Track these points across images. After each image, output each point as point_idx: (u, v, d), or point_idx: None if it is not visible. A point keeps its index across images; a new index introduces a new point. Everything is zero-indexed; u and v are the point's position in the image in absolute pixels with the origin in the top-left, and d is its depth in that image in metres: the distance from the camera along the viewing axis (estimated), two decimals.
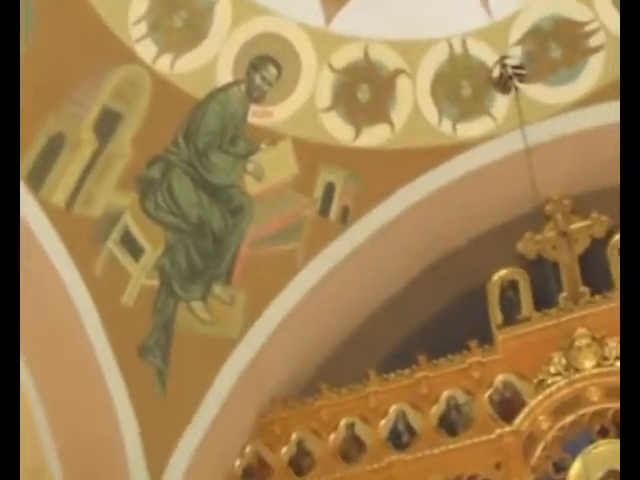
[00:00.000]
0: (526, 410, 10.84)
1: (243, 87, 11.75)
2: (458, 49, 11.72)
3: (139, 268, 11.44)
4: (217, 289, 11.95)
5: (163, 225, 11.62)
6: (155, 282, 11.56)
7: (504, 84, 11.44)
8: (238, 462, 12.13)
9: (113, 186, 11.12)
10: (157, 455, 11.27)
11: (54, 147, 10.63)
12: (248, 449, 12.19)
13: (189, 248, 11.83)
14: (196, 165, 11.70)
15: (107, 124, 10.99)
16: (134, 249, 11.41)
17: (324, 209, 12.18)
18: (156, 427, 11.26)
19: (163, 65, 11.18)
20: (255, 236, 12.07)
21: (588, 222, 11.85)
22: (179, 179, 11.65)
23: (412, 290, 12.53)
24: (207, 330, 11.85)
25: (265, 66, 11.73)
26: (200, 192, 11.77)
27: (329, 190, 12.17)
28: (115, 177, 11.15)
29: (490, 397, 11.28)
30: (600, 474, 10.34)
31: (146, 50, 11.07)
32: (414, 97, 11.92)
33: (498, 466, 10.74)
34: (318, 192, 12.14)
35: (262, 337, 12.02)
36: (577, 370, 10.73)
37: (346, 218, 12.18)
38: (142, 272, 11.47)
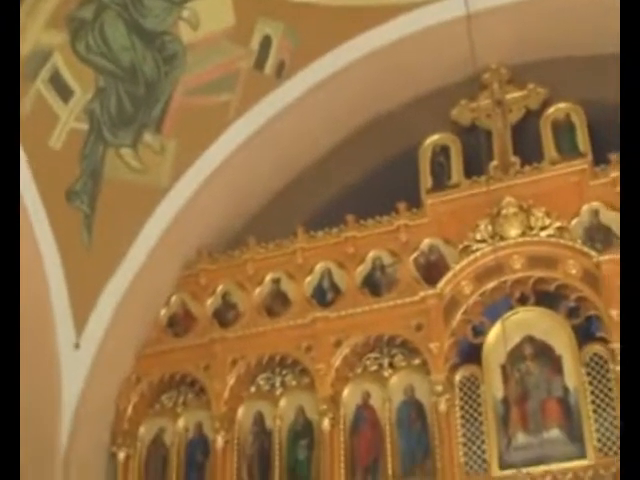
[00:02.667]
0: (450, 274, 11.03)
1: None
2: None
3: (68, 110, 11.19)
4: (147, 137, 11.80)
5: (94, 68, 11.33)
6: (84, 126, 11.36)
7: None
8: (163, 311, 12.28)
9: (43, 23, 10.70)
10: (82, 304, 11.32)
11: None
12: (174, 299, 12.34)
13: (120, 93, 11.58)
14: (130, 8, 11.33)
15: None
16: (63, 90, 11.13)
17: (260, 62, 11.99)
18: (82, 275, 11.26)
19: None
20: (188, 85, 11.87)
21: (524, 93, 11.90)
22: (112, 21, 11.28)
23: (344, 150, 12.56)
24: (136, 178, 11.76)
25: None
26: (133, 36, 11.44)
27: (266, 43, 11.95)
28: (45, 14, 10.71)
29: (415, 260, 11.49)
30: (518, 339, 10.63)
31: None
32: None
33: (419, 328, 10.94)
34: (254, 44, 11.93)
35: (191, 188, 11.99)
36: (502, 238, 10.91)
37: (281, 72, 12.03)
38: (71, 115, 11.23)
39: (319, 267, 11.88)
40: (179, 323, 12.26)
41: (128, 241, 11.66)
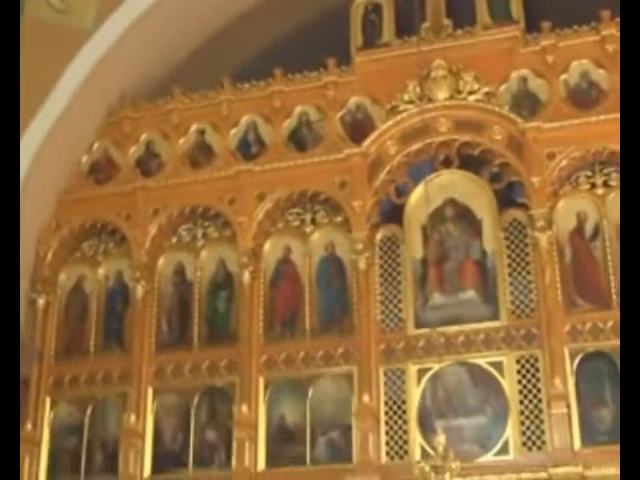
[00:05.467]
0: (375, 134, 11.07)
1: None
2: None
3: None
4: None
5: None
6: None
7: None
8: (85, 158, 12.10)
9: None
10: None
11: None
12: (96, 146, 12.15)
13: None
14: None
15: None
16: None
17: None
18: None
19: None
20: None
21: None
22: None
23: (275, 1, 12.23)
24: (59, 18, 11.36)
25: None
26: None
27: None
28: None
29: (342, 118, 11.47)
30: (439, 202, 10.82)
31: None
32: None
33: (343, 185, 11.02)
34: None
35: (117, 31, 11.57)
36: (430, 100, 10.94)
37: None
38: None
39: (245, 120, 11.77)
40: (101, 171, 12.10)
41: (50, 83, 11.31)
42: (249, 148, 11.70)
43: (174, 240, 11.72)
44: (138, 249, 11.47)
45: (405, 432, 10.16)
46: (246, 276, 11.07)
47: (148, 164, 11.98)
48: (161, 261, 11.62)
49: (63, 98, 11.41)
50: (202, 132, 11.89)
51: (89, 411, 11.20)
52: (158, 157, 11.98)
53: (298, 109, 11.63)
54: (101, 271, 11.84)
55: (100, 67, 11.51)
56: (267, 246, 11.34)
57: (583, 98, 10.73)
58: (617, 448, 9.30)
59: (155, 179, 11.70)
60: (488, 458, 9.81)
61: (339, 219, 11.14)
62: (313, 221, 11.33)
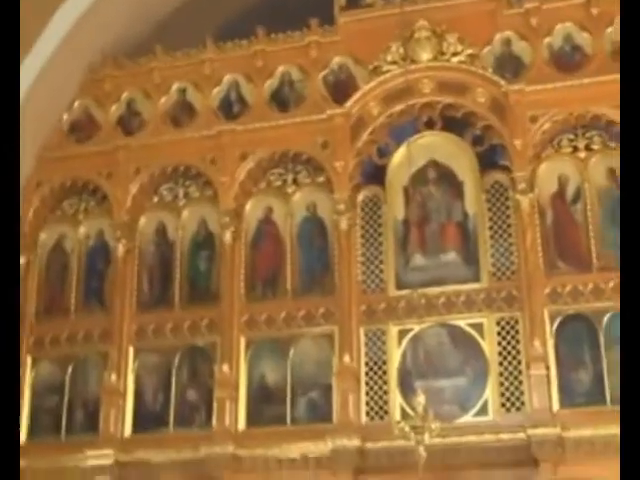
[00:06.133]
0: (358, 94, 11.03)
1: None
2: None
3: None
4: None
5: None
6: None
7: None
8: (66, 116, 12.04)
9: None
10: None
11: None
12: (77, 104, 12.07)
13: None
14: None
15: None
16: None
17: None
18: None
19: None
20: None
21: None
22: None
23: None
24: None
25: None
26: None
27: None
28: None
29: (324, 78, 11.43)
30: (422, 163, 10.82)
31: None
32: None
33: (325, 145, 11.00)
34: None
35: None
36: (413, 61, 10.89)
37: None
38: None
39: (227, 79, 11.71)
40: (82, 129, 12.04)
41: (31, 39, 11.16)
42: (231, 107, 11.65)
43: (155, 199, 11.70)
44: (119, 208, 11.43)
45: (385, 392, 10.23)
46: (227, 236, 11.06)
47: (129, 123, 11.93)
48: (142, 220, 11.60)
49: (44, 55, 11.26)
50: (184, 91, 11.83)
51: (70, 370, 11.22)
52: (139, 116, 11.92)
53: (280, 69, 11.58)
54: (82, 230, 11.81)
55: (81, 23, 11.37)
56: (249, 206, 11.32)
57: (567, 61, 10.74)
58: (595, 410, 9.61)
59: (136, 138, 11.65)
60: (467, 419, 9.90)
61: (321, 179, 11.14)
62: (295, 181, 11.32)
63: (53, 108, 11.74)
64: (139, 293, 11.33)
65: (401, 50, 10.99)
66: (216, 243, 11.27)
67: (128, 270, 11.32)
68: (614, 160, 10.20)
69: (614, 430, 9.06)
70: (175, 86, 11.82)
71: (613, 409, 9.36)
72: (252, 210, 11.31)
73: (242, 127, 11.28)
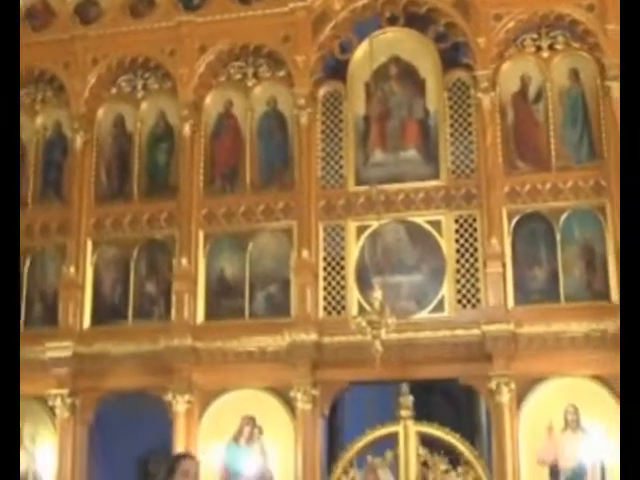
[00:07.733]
0: None
1: None
2: None
3: None
4: None
5: None
6: None
7: None
8: (21, 2, 11.62)
9: None
10: None
11: None
12: None
13: None
14: None
15: None
16: None
17: None
18: None
19: None
20: None
21: None
22: None
23: None
24: None
25: None
26: None
27: None
28: None
29: None
30: (384, 59, 10.73)
31: None
32: None
33: (286, 39, 10.86)
34: None
35: None
36: None
37: None
38: None
39: None
40: (37, 16, 11.72)
41: None
42: None
43: (114, 91, 11.52)
44: (77, 99, 11.26)
45: (343, 288, 10.33)
46: (186, 129, 10.96)
47: (87, 12, 11.62)
48: (100, 112, 11.45)
49: None
50: None
51: (28, 262, 11.18)
52: (97, 5, 11.62)
53: None
54: (39, 120, 11.64)
55: None
56: (208, 99, 11.20)
57: None
58: (548, 307, 9.79)
59: (94, 28, 11.40)
60: (424, 315, 10.03)
61: (282, 73, 11.01)
62: (255, 75, 11.18)
63: None
64: (97, 185, 11.24)
65: None
66: (175, 136, 11.17)
67: (86, 162, 11.21)
68: (577, 60, 10.21)
69: (566, 327, 9.45)
70: None
71: (567, 306, 9.62)
72: (212, 103, 11.19)
73: (202, 19, 11.08)
